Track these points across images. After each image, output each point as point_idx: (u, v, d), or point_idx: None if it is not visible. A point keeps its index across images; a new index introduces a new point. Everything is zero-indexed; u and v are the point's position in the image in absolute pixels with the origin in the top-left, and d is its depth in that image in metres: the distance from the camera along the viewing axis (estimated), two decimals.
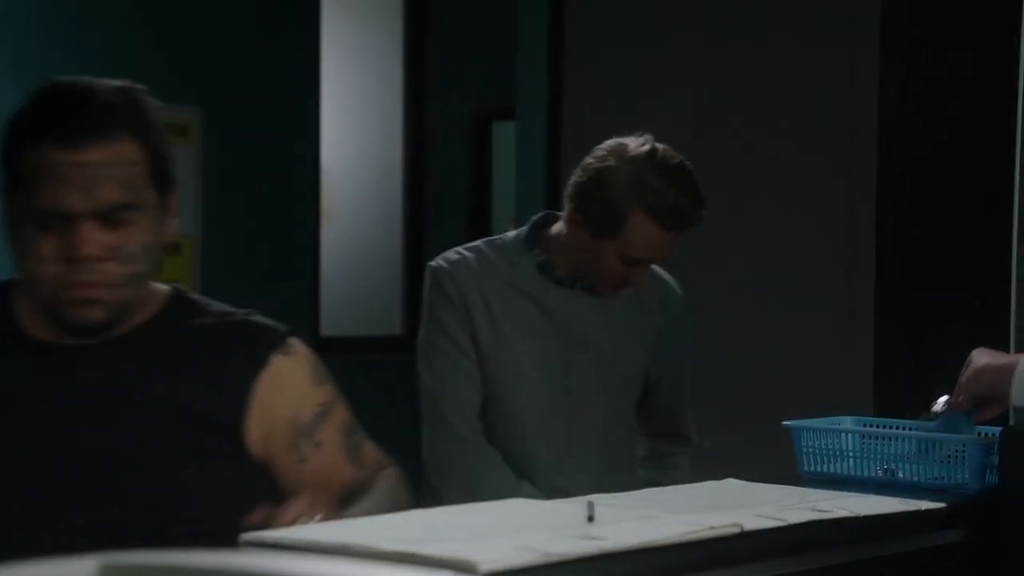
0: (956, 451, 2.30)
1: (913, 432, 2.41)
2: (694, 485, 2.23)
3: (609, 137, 2.65)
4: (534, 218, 2.74)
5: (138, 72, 5.01)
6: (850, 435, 2.42)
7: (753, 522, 1.84)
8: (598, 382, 2.71)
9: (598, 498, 1.94)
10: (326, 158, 6.20)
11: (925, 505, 2.13)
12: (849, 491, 2.20)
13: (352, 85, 6.49)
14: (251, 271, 5.39)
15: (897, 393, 3.99)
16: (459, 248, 2.70)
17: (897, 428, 2.45)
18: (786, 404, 3.82)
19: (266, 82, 5.65)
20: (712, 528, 1.78)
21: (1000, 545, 2.21)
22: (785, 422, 2.46)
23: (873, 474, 2.37)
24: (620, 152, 2.57)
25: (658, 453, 2.89)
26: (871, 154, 4.23)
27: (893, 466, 2.37)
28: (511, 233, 2.73)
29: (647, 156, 2.55)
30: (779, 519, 1.88)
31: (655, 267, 2.74)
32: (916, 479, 2.32)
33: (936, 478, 2.31)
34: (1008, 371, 2.20)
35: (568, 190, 2.64)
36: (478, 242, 2.73)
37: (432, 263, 2.69)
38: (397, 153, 6.62)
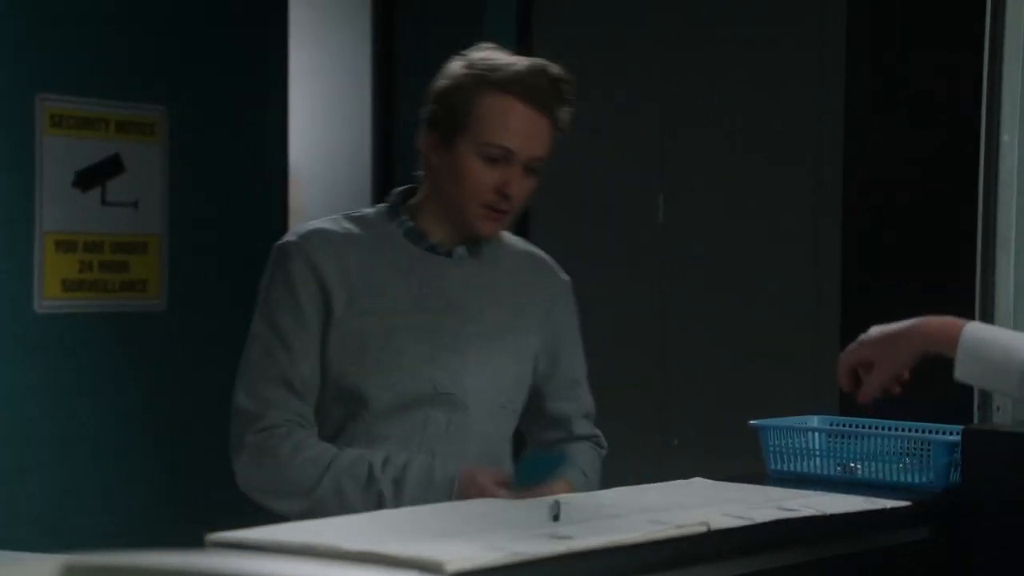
0: (920, 449, 2.31)
1: (877, 431, 2.42)
2: (662, 484, 2.23)
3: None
4: (396, 190, 2.38)
5: (104, 71, 5.01)
6: (816, 434, 2.43)
7: (720, 521, 1.85)
8: (482, 357, 2.28)
9: (563, 497, 1.94)
10: (294, 157, 6.19)
11: (890, 504, 2.15)
12: (816, 490, 2.21)
13: (320, 84, 6.47)
14: (218, 270, 5.37)
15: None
16: (312, 222, 2.30)
17: (865, 428, 2.46)
18: (756, 403, 3.83)
19: (233, 81, 5.63)
20: (679, 527, 1.79)
21: (962, 543, 2.22)
22: (752, 421, 2.47)
23: (838, 473, 2.38)
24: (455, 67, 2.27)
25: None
26: (836, 154, 4.24)
27: (857, 464, 2.39)
28: (371, 209, 2.36)
29: (482, 57, 2.24)
30: (746, 518, 1.89)
31: (536, 250, 2.41)
32: (881, 477, 2.33)
33: (900, 479, 2.32)
34: (894, 339, 2.09)
35: (420, 125, 2.31)
36: (335, 216, 2.33)
37: (279, 242, 2.28)
38: (366, 152, 6.60)
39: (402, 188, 2.37)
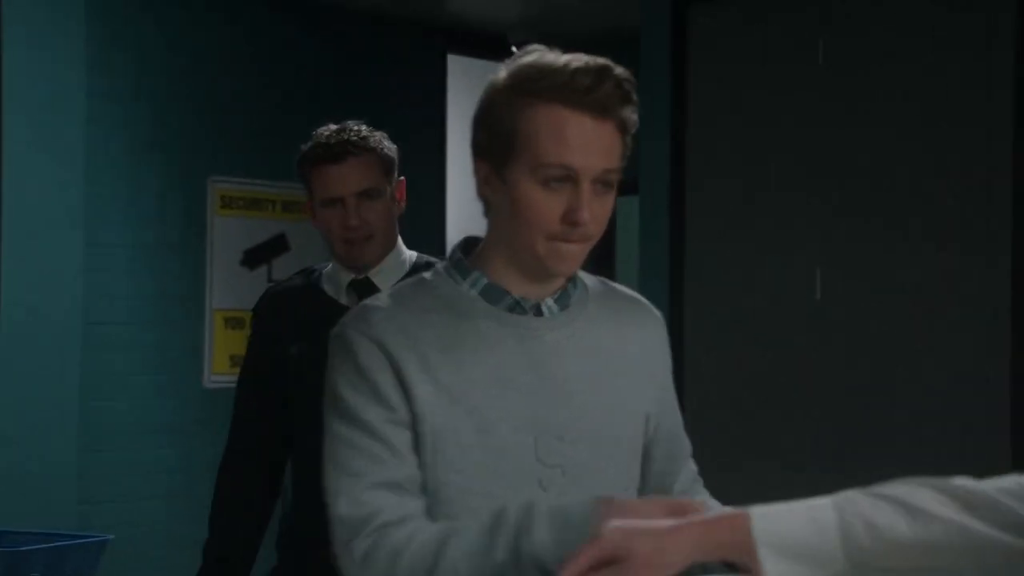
0: None
1: None
2: None
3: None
4: (455, 245, 1.94)
5: (271, 153, 5.15)
6: None
7: None
8: (595, 441, 1.87)
9: None
10: (451, 233, 6.30)
11: None
12: None
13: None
14: None
15: None
16: (367, 301, 1.87)
17: None
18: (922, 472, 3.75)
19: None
20: None
21: None
22: None
23: None
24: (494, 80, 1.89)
25: None
26: (1005, 235, 4.16)
27: None
28: (426, 273, 1.92)
29: (525, 63, 1.84)
30: None
31: (622, 288, 2.02)
32: None
33: None
34: (638, 532, 1.55)
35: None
36: (390, 290, 1.90)
37: (336, 330, 1.84)
38: None
39: (462, 240, 1.93)
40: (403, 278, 2.60)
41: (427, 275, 1.87)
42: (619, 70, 1.79)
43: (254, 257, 5.29)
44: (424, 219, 5.95)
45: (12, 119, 4.57)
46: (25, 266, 4.60)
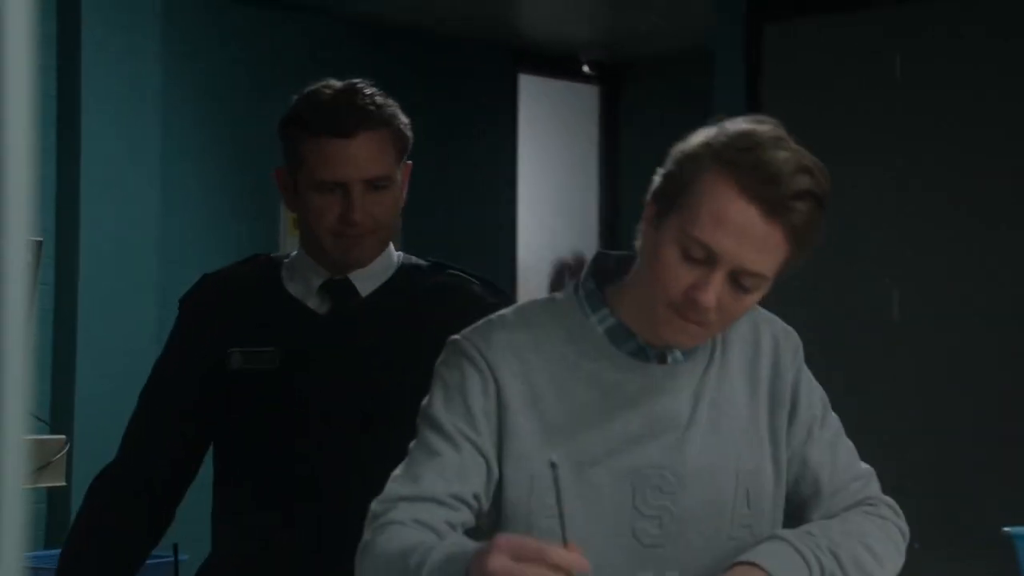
0: None
1: None
2: None
3: None
4: (589, 264, 1.81)
5: None
6: None
7: None
8: (703, 501, 1.74)
9: None
10: (522, 254, 6.29)
11: None
12: None
13: (548, 175, 6.58)
14: None
15: None
16: (494, 316, 1.77)
17: None
18: (1004, 506, 3.67)
19: (467, 178, 5.79)
20: None
21: None
22: (1006, 528, 2.37)
23: None
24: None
25: None
26: None
27: None
28: (559, 295, 1.81)
29: (734, 128, 1.69)
30: None
31: (761, 315, 1.84)
32: None
33: None
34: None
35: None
36: (522, 304, 1.82)
37: (455, 336, 1.75)
38: (592, 242, 6.66)
39: (596, 257, 1.82)
40: (388, 281, 2.16)
41: (559, 297, 1.78)
42: (809, 165, 1.64)
43: None
44: (496, 239, 5.94)
45: (90, 117, 4.70)
46: (103, 262, 4.69)
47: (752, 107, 4.84)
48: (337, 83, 2.10)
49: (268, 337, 2.09)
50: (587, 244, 6.67)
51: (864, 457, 1.89)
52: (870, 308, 4.53)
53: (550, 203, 6.62)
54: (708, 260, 1.63)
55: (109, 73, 4.74)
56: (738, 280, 1.64)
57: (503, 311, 1.77)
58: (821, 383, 1.88)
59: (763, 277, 1.65)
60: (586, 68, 6.38)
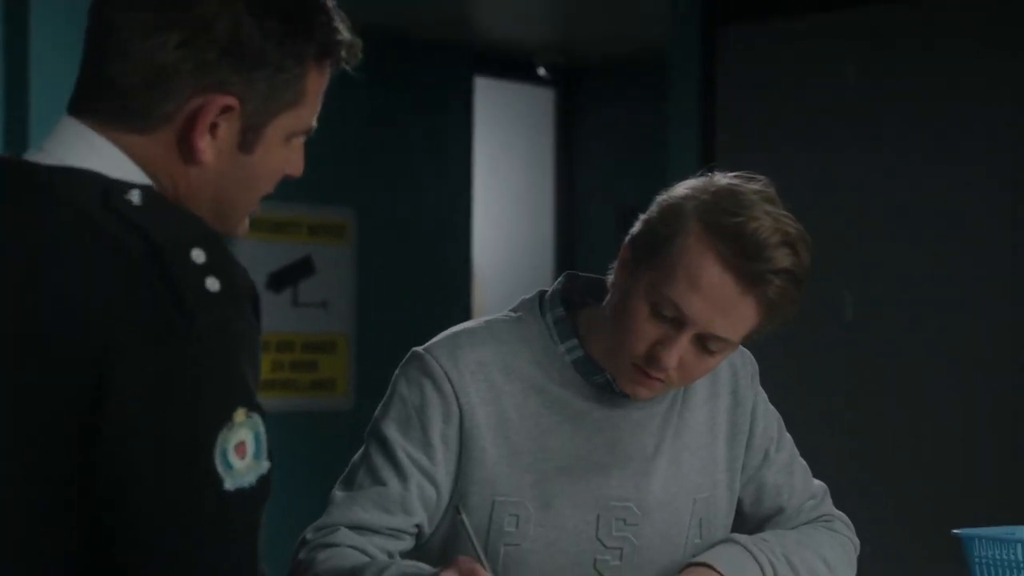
0: None
1: None
2: None
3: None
4: (556, 285, 1.78)
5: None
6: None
7: None
8: (657, 527, 1.76)
9: None
10: (478, 256, 6.28)
11: None
12: None
13: (502, 182, 6.57)
14: None
15: None
16: (462, 332, 1.76)
17: None
18: (956, 510, 3.69)
19: (420, 183, 5.76)
20: None
21: None
22: (956, 531, 2.37)
23: None
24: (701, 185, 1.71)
25: None
26: None
27: None
28: (528, 316, 1.78)
29: (720, 185, 1.67)
30: None
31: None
32: None
33: None
34: None
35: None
36: (490, 319, 1.78)
37: (418, 348, 1.77)
38: (548, 249, 6.66)
39: (563, 279, 1.79)
40: None
41: (525, 316, 1.74)
42: (795, 267, 1.61)
43: (279, 280, 5.27)
44: (451, 239, 5.92)
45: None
46: None
47: (707, 110, 4.85)
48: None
49: None
50: (543, 247, 6.66)
51: (816, 460, 1.92)
52: (823, 309, 4.55)
53: (505, 206, 6.61)
54: (676, 321, 1.62)
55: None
56: (704, 343, 1.64)
57: (471, 324, 1.76)
58: (775, 385, 1.90)
59: (730, 342, 1.65)
60: (542, 71, 6.38)
